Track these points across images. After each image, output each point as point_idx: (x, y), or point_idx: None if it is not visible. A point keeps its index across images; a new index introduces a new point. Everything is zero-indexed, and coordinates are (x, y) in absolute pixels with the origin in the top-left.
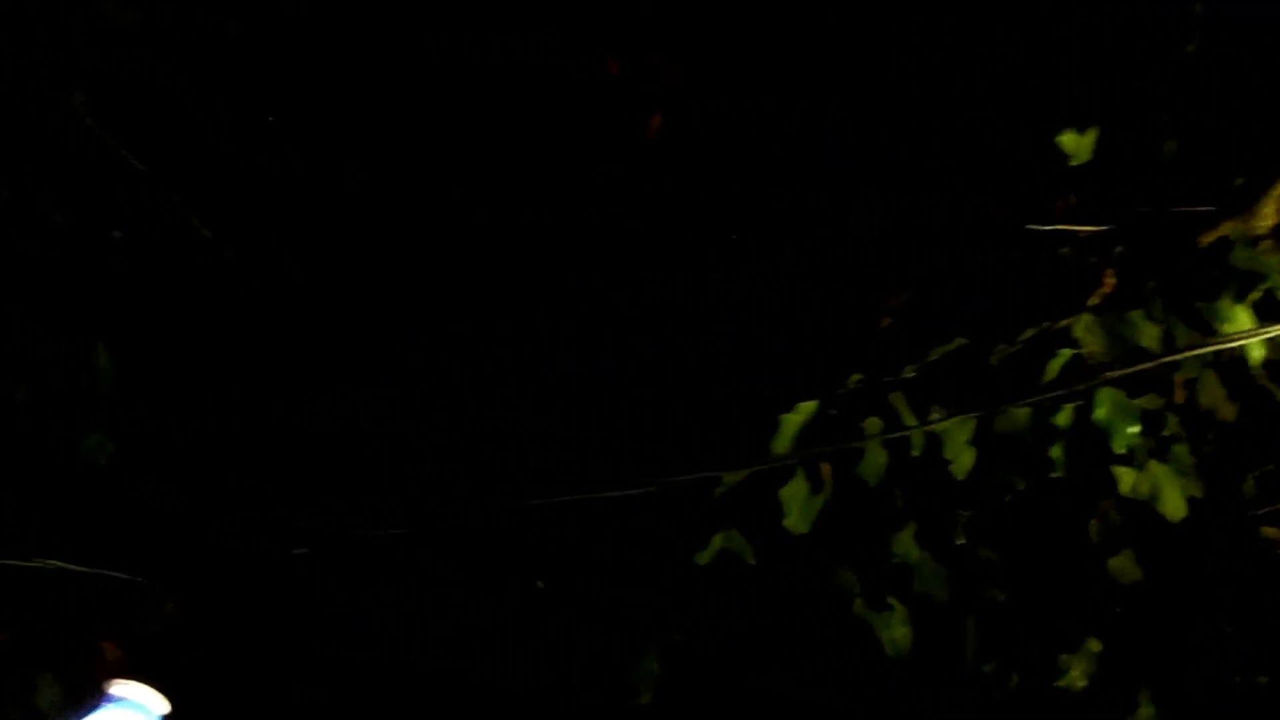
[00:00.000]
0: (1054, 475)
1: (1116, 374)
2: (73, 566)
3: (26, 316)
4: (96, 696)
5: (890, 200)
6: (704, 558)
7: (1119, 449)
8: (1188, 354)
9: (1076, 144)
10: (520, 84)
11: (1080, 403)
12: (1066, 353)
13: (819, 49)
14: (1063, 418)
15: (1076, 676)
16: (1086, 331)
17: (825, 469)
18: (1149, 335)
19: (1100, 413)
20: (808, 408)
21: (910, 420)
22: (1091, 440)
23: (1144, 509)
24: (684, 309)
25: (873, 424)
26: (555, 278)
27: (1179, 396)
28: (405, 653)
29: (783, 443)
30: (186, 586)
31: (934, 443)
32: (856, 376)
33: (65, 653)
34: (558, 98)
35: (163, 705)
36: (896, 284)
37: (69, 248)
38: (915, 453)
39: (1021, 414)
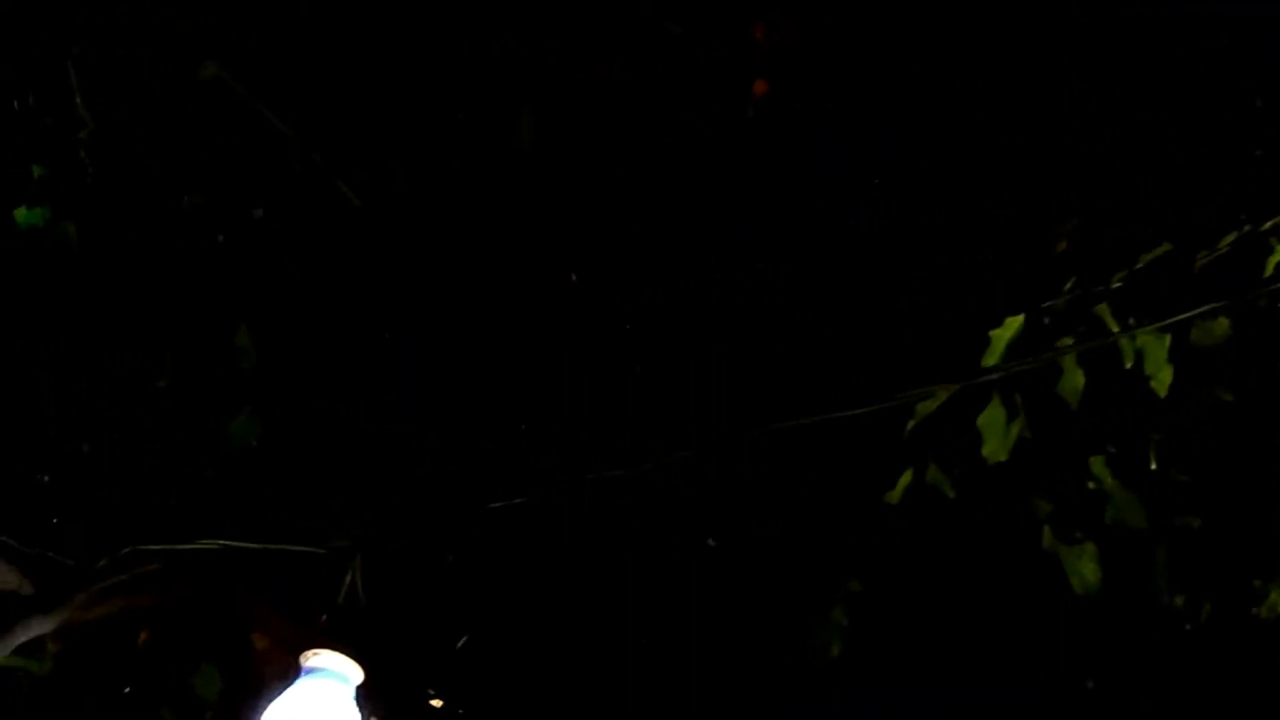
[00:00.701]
0: None
1: None
2: (244, 544)
3: (165, 300)
4: (286, 670)
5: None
6: (894, 496)
7: None
8: None
9: None
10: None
11: None
12: None
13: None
14: None
15: (1276, 602)
16: None
17: (1017, 400)
18: None
19: None
20: (1015, 322)
21: (1115, 327)
22: None
23: None
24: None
25: (1067, 344)
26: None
27: None
28: (586, 616)
29: (993, 357)
30: (367, 557)
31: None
32: (1070, 284)
33: (236, 634)
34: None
35: (358, 673)
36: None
37: (206, 227)
38: (1128, 364)
39: (1221, 325)
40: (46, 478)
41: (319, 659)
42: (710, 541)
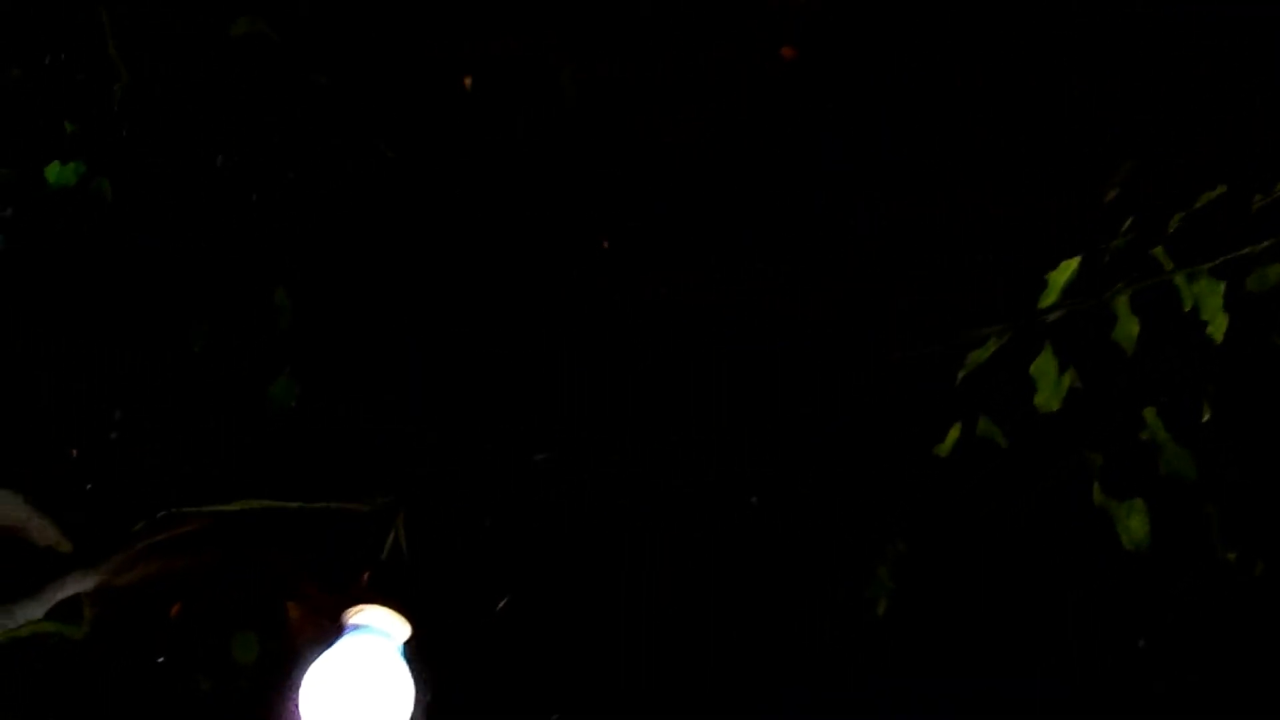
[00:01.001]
0: None
1: None
2: (284, 504)
3: (202, 262)
4: (322, 635)
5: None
6: (944, 449)
7: None
8: None
9: None
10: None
11: None
12: None
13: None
14: None
15: None
16: None
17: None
18: None
19: None
20: (1071, 265)
21: (1170, 265)
22: None
23: None
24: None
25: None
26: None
27: None
28: (630, 586)
29: (1050, 298)
30: (411, 513)
31: (1183, 310)
32: (1128, 223)
33: (273, 598)
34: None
35: (404, 628)
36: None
37: (242, 189)
38: (1186, 306)
39: (1276, 271)
40: (75, 451)
41: (362, 615)
42: (753, 499)
